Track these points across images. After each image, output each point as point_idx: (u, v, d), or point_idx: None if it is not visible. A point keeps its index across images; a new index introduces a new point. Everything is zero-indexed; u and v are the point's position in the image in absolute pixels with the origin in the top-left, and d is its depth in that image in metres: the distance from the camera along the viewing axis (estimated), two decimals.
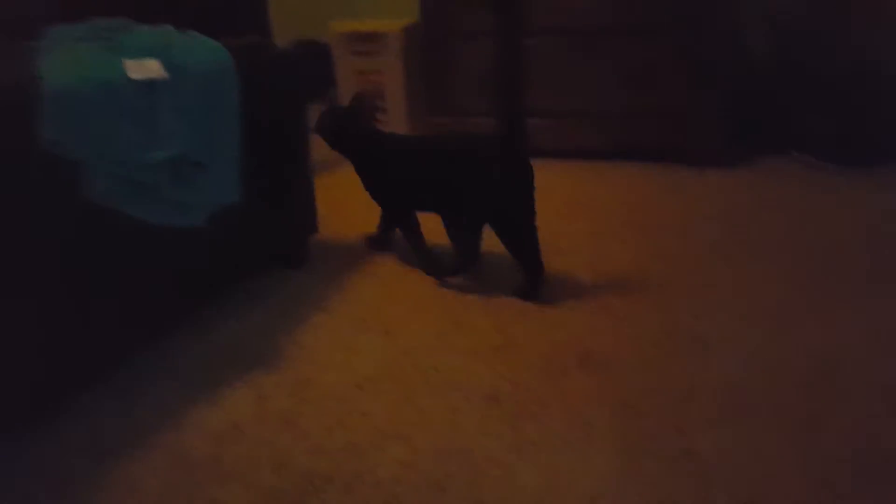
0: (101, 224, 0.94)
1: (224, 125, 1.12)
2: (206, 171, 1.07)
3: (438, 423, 0.97)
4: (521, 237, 1.31)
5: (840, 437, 0.91)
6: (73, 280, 0.93)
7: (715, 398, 1.00)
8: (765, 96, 2.27)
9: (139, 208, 0.98)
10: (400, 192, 1.49)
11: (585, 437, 0.92)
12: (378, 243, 1.60)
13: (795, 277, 1.38)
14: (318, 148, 1.55)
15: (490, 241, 1.33)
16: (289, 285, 1.40)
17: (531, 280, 1.33)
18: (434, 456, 0.90)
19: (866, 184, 1.89)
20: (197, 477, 0.88)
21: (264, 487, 0.86)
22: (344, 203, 1.93)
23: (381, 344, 1.18)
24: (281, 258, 1.47)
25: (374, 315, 1.28)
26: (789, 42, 2.23)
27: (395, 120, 2.79)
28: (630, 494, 0.83)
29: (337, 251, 1.58)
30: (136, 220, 0.98)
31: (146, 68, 0.96)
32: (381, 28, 2.67)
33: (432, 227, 1.41)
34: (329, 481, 0.86)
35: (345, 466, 0.89)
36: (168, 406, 1.01)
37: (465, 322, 1.24)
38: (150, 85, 0.97)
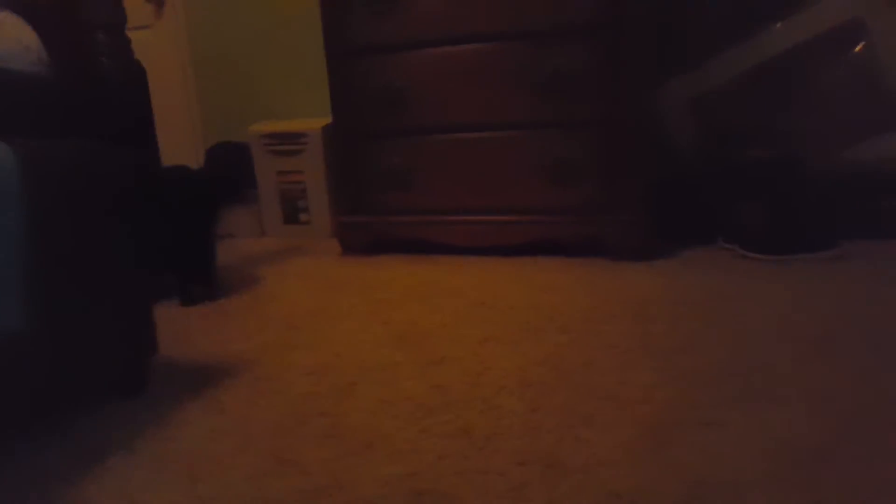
0: None
1: None
2: None
3: None
4: None
5: None
6: None
7: None
8: (690, 186, 2.16)
9: None
10: None
11: None
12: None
13: (693, 376, 1.19)
14: None
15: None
16: (105, 419, 1.20)
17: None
18: None
19: (792, 273, 1.74)
20: None
21: None
22: (220, 318, 1.78)
23: (177, 495, 0.96)
24: (111, 385, 1.28)
25: (185, 455, 1.07)
26: (715, 129, 2.16)
27: (317, 218, 2.68)
28: None
29: (189, 374, 1.39)
30: None
31: None
32: (300, 128, 2.62)
33: None
34: None
35: None
36: None
37: (291, 459, 1.03)
38: None
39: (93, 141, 1.27)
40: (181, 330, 1.65)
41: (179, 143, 3.21)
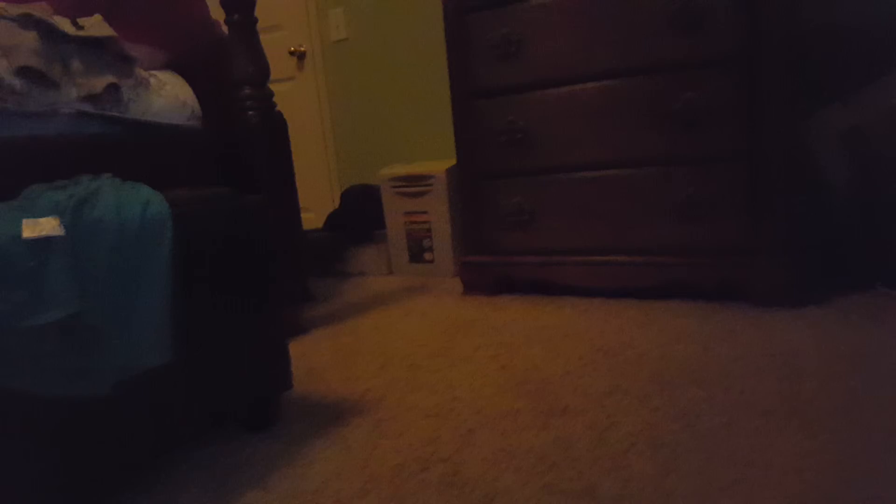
0: None
1: (147, 280, 1.05)
2: (112, 332, 0.99)
3: None
4: None
5: None
6: None
7: None
8: (844, 225, 1.96)
9: (23, 380, 0.91)
10: None
11: None
12: None
13: (849, 445, 1.05)
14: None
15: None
16: (238, 453, 1.26)
17: None
18: None
19: None
20: None
21: None
22: (348, 354, 1.82)
23: None
24: (248, 419, 1.35)
25: (313, 495, 1.09)
26: (871, 164, 1.95)
27: (441, 257, 2.72)
28: None
29: (318, 410, 1.44)
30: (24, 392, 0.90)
31: (41, 226, 0.93)
32: (426, 170, 2.68)
33: None
34: None
35: None
36: None
37: None
38: (42, 243, 0.92)
39: (235, 187, 1.36)
40: (314, 365, 1.72)
41: (318, 185, 3.42)
